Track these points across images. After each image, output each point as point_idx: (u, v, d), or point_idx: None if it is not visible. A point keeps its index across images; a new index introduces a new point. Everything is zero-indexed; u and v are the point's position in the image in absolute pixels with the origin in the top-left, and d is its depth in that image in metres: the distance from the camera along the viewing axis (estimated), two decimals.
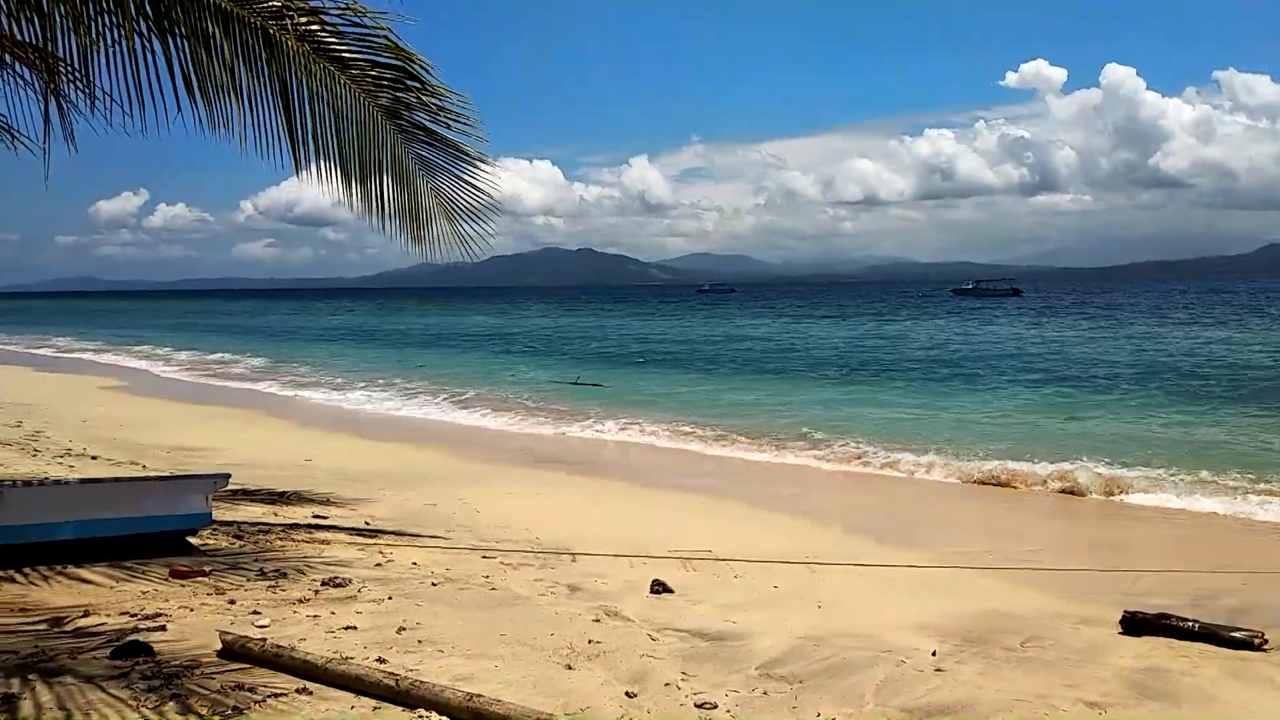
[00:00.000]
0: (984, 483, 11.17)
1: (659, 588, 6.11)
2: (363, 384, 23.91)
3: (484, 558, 6.84)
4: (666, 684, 4.26)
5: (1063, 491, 10.63)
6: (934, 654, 4.96)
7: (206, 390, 23.31)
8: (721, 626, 5.37)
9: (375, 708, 3.65)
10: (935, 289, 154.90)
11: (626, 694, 4.08)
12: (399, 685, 3.70)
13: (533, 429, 16.02)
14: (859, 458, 12.55)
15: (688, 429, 15.17)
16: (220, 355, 34.90)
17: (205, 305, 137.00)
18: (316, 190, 6.92)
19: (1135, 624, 5.50)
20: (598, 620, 5.29)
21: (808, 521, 9.19)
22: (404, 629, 4.74)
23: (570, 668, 4.38)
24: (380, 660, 4.18)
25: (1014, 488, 10.95)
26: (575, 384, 23.10)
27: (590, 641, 4.80)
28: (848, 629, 5.35)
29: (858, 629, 5.36)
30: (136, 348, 39.96)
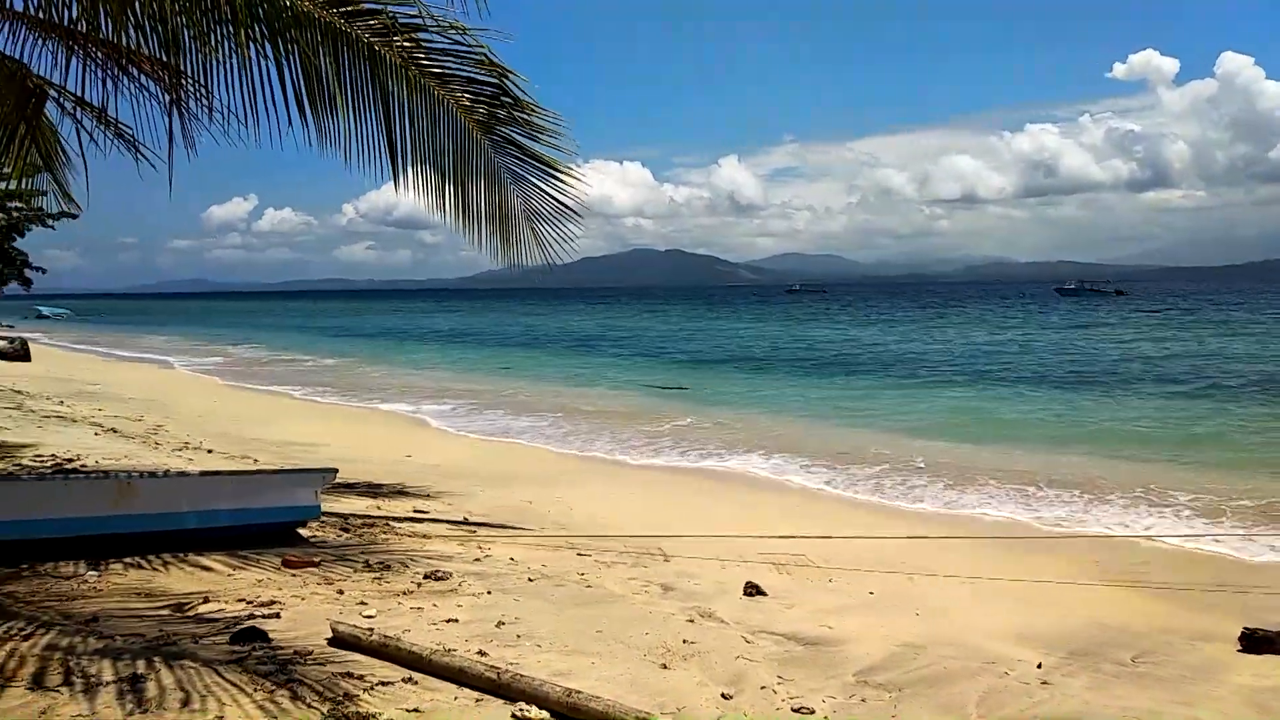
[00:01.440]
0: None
1: (752, 590, 6.08)
2: (458, 384, 24.46)
3: (578, 555, 6.92)
4: (762, 687, 4.24)
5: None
6: (1039, 666, 4.81)
7: (307, 388, 24.20)
8: (817, 631, 5.32)
9: (477, 699, 3.74)
10: (1038, 289, 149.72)
11: (723, 695, 4.08)
12: (500, 678, 3.78)
13: (625, 430, 16.11)
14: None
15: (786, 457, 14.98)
16: (324, 354, 36.22)
17: (308, 306, 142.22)
18: (415, 195, 7.19)
19: (1256, 641, 5.22)
20: (691, 620, 5.30)
21: (905, 527, 9.01)
22: (503, 623, 4.84)
23: (666, 667, 4.40)
24: (481, 653, 4.28)
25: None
26: (674, 389, 22.96)
27: (685, 642, 4.82)
28: (948, 638, 5.23)
29: (959, 638, 5.23)
30: (243, 346, 41.83)
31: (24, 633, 4.05)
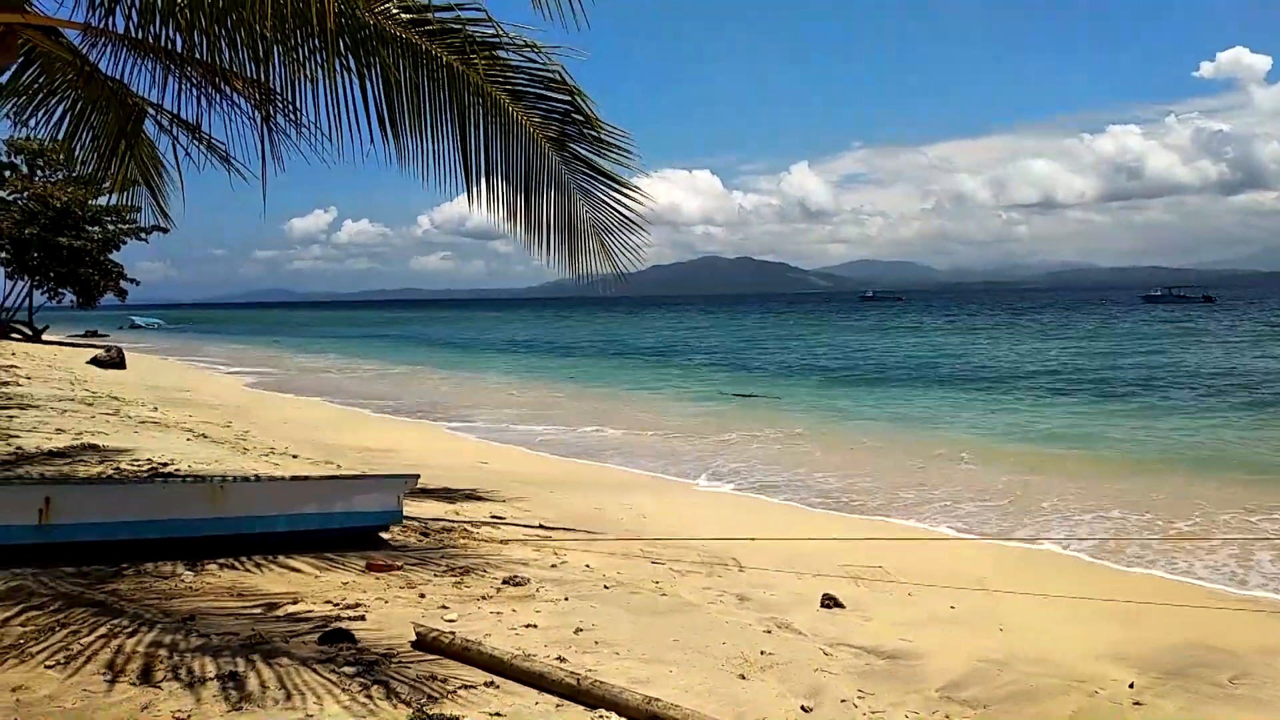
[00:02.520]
0: None
1: (829, 602, 6.02)
2: (529, 391, 24.75)
3: (653, 563, 6.94)
4: (842, 700, 4.20)
5: None
6: (1131, 686, 4.66)
7: (388, 397, 24.74)
8: (896, 645, 5.24)
9: (558, 705, 3.78)
10: (1122, 296, 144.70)
11: (802, 708, 4.05)
12: (580, 684, 3.82)
13: (696, 438, 16.08)
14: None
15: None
16: (397, 363, 37.02)
17: (384, 315, 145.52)
18: (487, 208, 7.40)
19: None
20: (769, 631, 5.28)
21: (987, 543, 8.81)
22: (581, 630, 4.88)
23: (744, 678, 4.39)
24: (560, 659, 4.32)
25: None
26: (748, 396, 22.75)
27: (762, 653, 4.79)
28: (1034, 655, 5.11)
29: (1046, 655, 5.10)
30: (322, 356, 43.03)
31: (128, 630, 4.24)
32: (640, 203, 7.58)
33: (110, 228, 41.73)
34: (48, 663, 3.82)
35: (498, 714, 3.64)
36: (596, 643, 4.70)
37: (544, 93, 7.14)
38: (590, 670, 4.11)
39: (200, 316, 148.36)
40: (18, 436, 10.57)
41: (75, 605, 4.54)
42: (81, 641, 4.05)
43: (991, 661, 5.00)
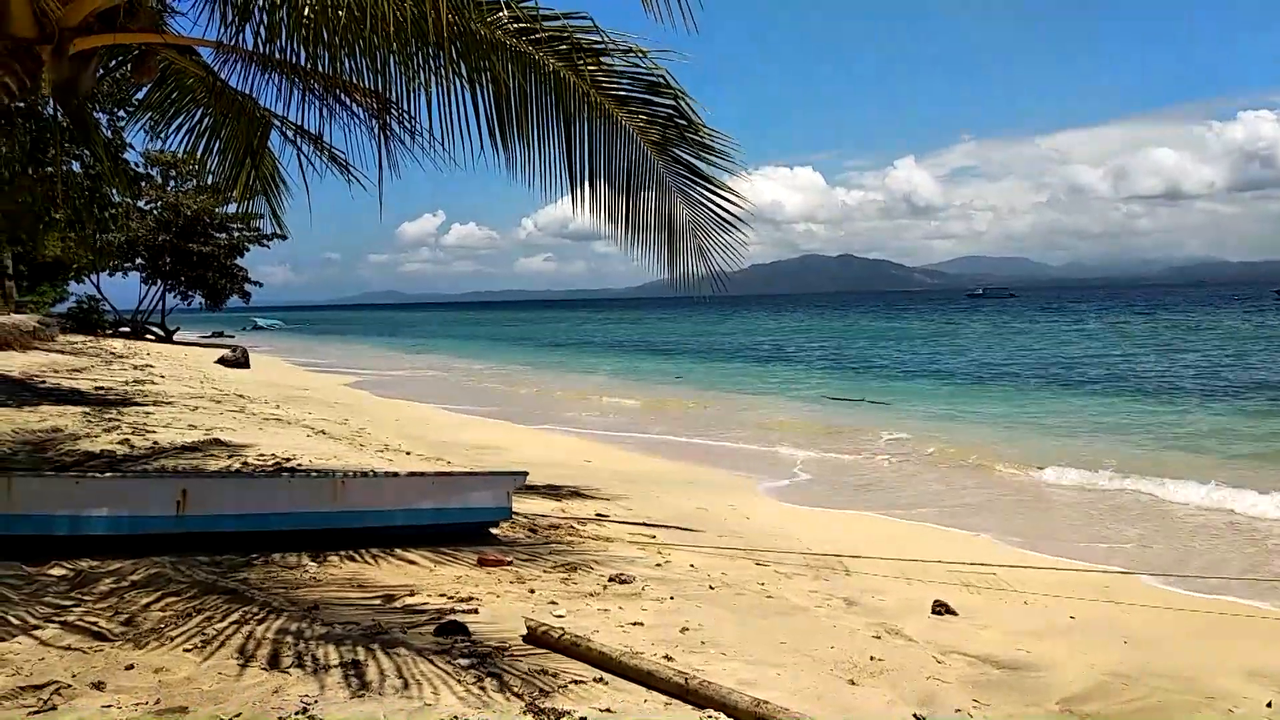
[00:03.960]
0: None
1: (941, 608, 5.87)
2: (633, 392, 24.92)
3: (758, 564, 6.90)
4: (957, 709, 4.09)
5: None
6: (1269, 705, 4.39)
7: (494, 396, 25.31)
8: (1013, 654, 5.07)
9: (666, 703, 3.80)
10: (1252, 291, 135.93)
11: (915, 716, 3.96)
12: (688, 684, 3.82)
13: (804, 442, 15.89)
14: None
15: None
16: (504, 363, 37.82)
17: (492, 315, 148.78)
18: (589, 211, 7.52)
19: None
20: (878, 637, 5.18)
21: (1108, 551, 8.44)
22: (687, 629, 4.89)
23: (853, 683, 4.32)
24: (667, 658, 4.34)
25: None
26: (860, 400, 22.23)
27: (872, 658, 4.71)
28: (1163, 669, 4.87)
29: (1176, 670, 4.86)
30: (432, 355, 44.32)
31: (258, 617, 4.46)
32: (739, 205, 7.61)
33: (236, 234, 44.01)
34: (186, 646, 4.05)
35: (608, 709, 3.68)
36: (703, 643, 4.70)
37: (648, 97, 7.22)
38: (697, 670, 4.11)
39: (318, 318, 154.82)
40: (154, 431, 11.24)
41: (210, 592, 4.81)
42: (216, 627, 4.29)
43: (1117, 675, 4.79)
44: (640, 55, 6.91)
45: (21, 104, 12.15)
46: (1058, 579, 6.85)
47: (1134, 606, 6.23)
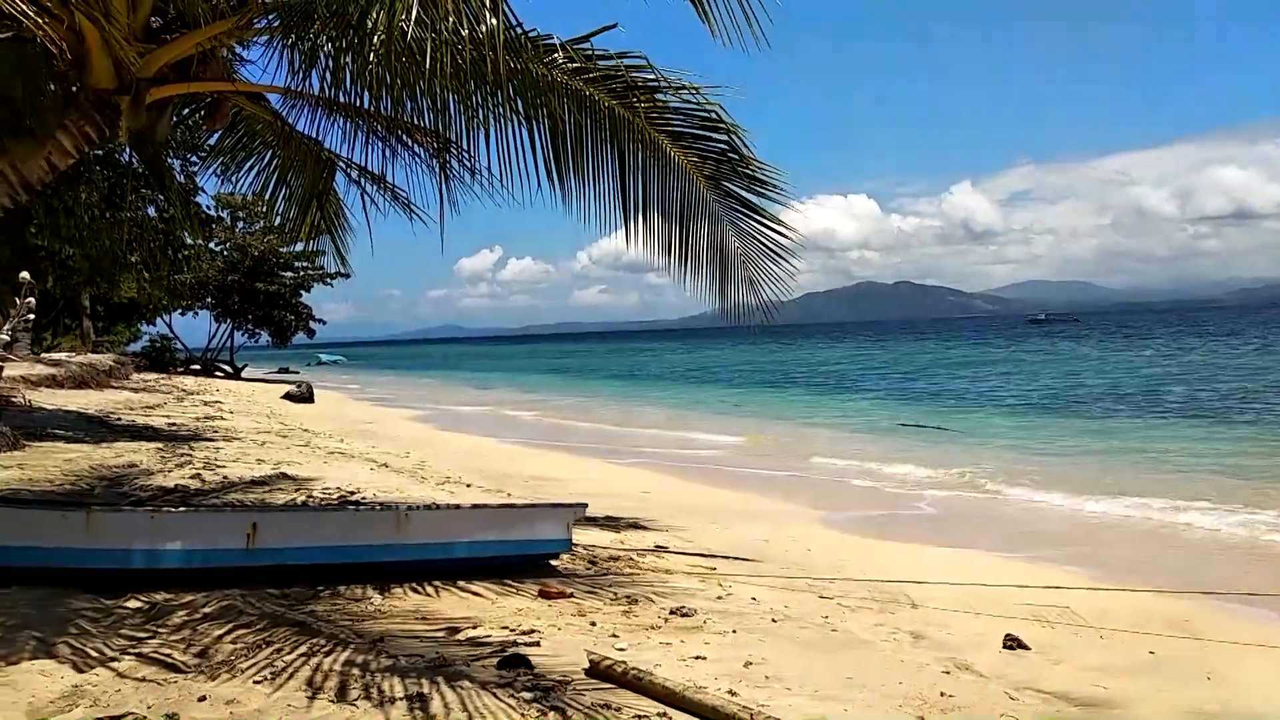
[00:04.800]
0: None
1: (1013, 643, 5.70)
2: (694, 423, 24.85)
3: (820, 597, 6.79)
4: None
5: None
6: None
7: (552, 428, 25.45)
8: (1090, 691, 4.90)
9: None
10: None
11: None
12: (753, 719, 3.77)
13: (867, 472, 15.66)
14: None
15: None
16: (564, 395, 38.03)
17: (548, 348, 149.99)
18: (641, 244, 7.62)
19: None
20: (947, 672, 5.05)
21: (1186, 585, 8.12)
22: (750, 663, 4.83)
23: (923, 719, 4.21)
24: (731, 693, 4.29)
25: None
26: (931, 428, 21.75)
27: (942, 694, 4.59)
28: (1250, 710, 4.66)
29: (1264, 711, 4.64)
30: (492, 390, 44.80)
31: (325, 649, 4.52)
32: (789, 237, 7.71)
33: (300, 273, 45.22)
34: (256, 678, 4.13)
35: None
36: (767, 677, 4.63)
37: (701, 132, 7.33)
38: (762, 705, 4.06)
39: (378, 353, 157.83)
40: (224, 466, 11.53)
41: (279, 624, 4.89)
42: (285, 659, 4.36)
43: (1200, 714, 4.60)
44: (693, 91, 7.01)
45: (99, 152, 12.69)
46: (1135, 614, 6.61)
47: (1218, 643, 5.98)
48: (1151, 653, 5.73)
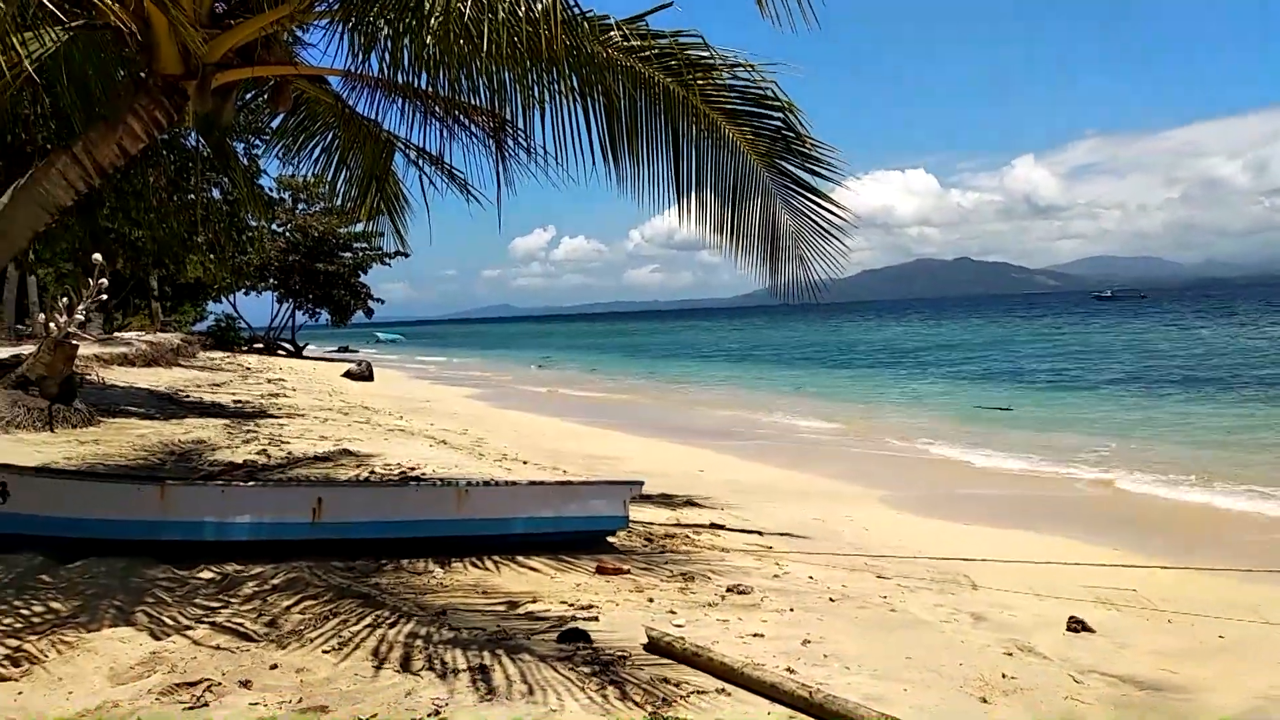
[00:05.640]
0: None
1: (1077, 625, 5.61)
2: (750, 400, 24.77)
3: (878, 577, 6.74)
4: None
5: None
6: None
7: (607, 405, 25.57)
8: (1158, 675, 4.80)
9: (790, 717, 3.76)
10: None
11: None
12: (812, 697, 3.77)
13: (931, 451, 15.48)
14: None
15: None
16: (619, 373, 38.18)
17: (601, 327, 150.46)
18: (695, 222, 7.61)
19: None
20: (1009, 654, 4.98)
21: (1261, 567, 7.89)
22: (808, 642, 4.82)
23: (985, 701, 4.17)
24: (790, 670, 4.29)
25: None
26: (996, 409, 21.22)
27: (1004, 676, 4.53)
28: None
29: None
30: (547, 368, 45.16)
31: (389, 621, 4.63)
32: (843, 216, 7.66)
33: (360, 253, 45.98)
34: (324, 648, 4.24)
35: None
36: (825, 656, 4.62)
37: (756, 110, 7.27)
38: (821, 684, 4.05)
39: (435, 332, 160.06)
40: (288, 442, 11.82)
41: (344, 596, 5.02)
42: (351, 629, 4.47)
43: (1272, 699, 4.48)
44: (748, 69, 6.94)
45: (166, 136, 13.01)
46: (1205, 597, 6.44)
47: None
48: (1221, 637, 5.59)
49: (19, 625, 4.35)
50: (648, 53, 6.73)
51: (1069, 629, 5.57)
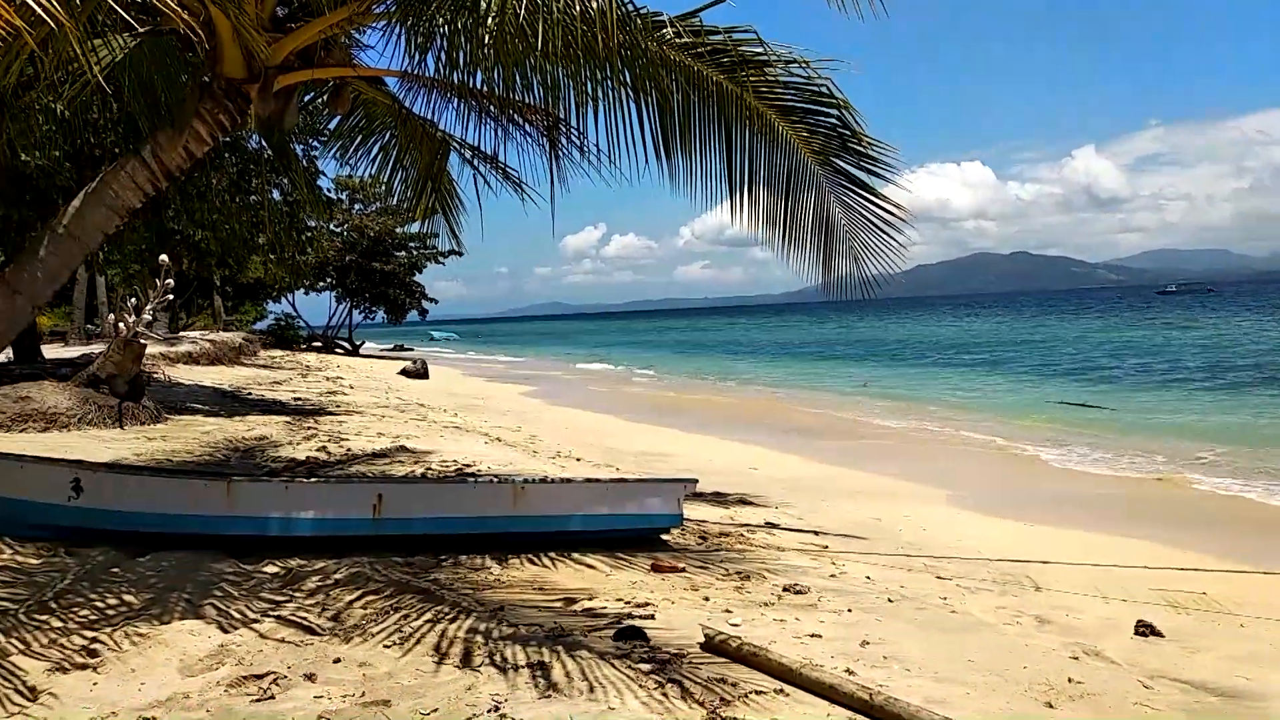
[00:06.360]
0: None
1: (1145, 629, 5.45)
2: (806, 398, 24.54)
3: (938, 578, 6.64)
4: None
5: None
6: None
7: (659, 403, 25.56)
8: (1231, 682, 4.65)
9: (849, 718, 3.71)
10: None
11: None
12: (873, 699, 3.72)
13: (997, 448, 15.20)
14: None
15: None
16: (671, 370, 38.16)
17: (653, 324, 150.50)
18: (746, 219, 7.57)
19: None
20: (1075, 658, 4.86)
21: None
22: (867, 643, 4.76)
23: (1051, 706, 4.07)
24: (849, 672, 4.24)
25: None
26: (1080, 406, 20.62)
27: (1070, 680, 4.42)
28: None
29: None
30: (598, 365, 45.29)
31: (449, 616, 4.68)
32: (899, 214, 7.56)
33: (414, 253, 46.61)
34: (385, 643, 4.30)
35: None
36: (885, 657, 4.56)
37: (810, 106, 7.23)
38: (881, 686, 3.99)
39: (488, 330, 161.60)
40: (348, 439, 12.02)
41: (405, 591, 5.09)
42: (412, 625, 4.53)
43: None
44: (803, 65, 6.89)
45: (228, 139, 13.31)
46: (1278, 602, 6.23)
47: None
48: None
49: (94, 617, 4.49)
50: (701, 49, 6.70)
51: (1137, 633, 5.42)
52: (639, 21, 5.94)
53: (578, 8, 5.13)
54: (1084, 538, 8.80)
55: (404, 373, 31.50)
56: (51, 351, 20.37)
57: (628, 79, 6.33)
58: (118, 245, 15.83)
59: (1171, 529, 9.22)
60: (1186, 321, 62.47)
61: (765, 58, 6.86)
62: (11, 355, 15.87)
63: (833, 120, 7.19)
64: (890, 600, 5.78)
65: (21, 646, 4.06)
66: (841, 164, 7.48)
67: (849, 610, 5.41)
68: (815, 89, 7.02)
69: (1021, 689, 4.26)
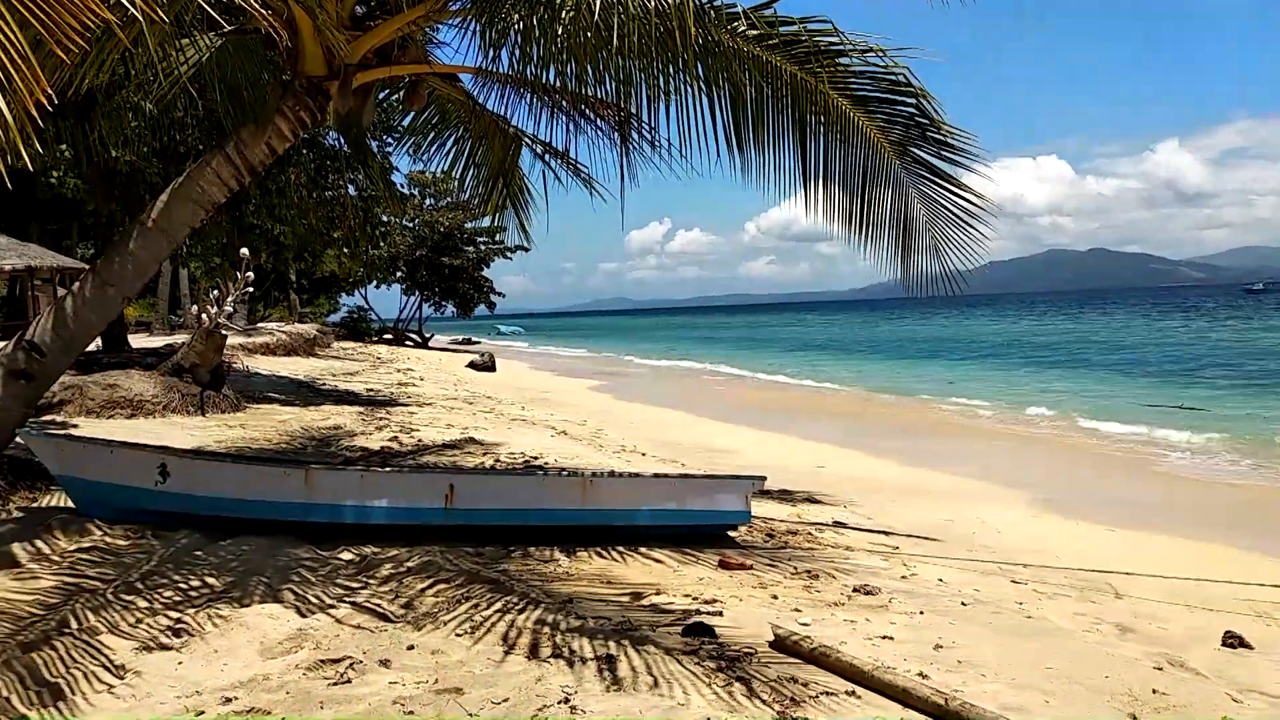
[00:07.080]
0: None
1: (1234, 640, 5.24)
2: (876, 395, 24.13)
3: (1013, 582, 6.47)
4: None
5: None
6: None
7: (725, 399, 25.45)
8: None
9: None
10: None
11: None
12: (948, 704, 3.64)
13: (1074, 449, 14.78)
14: None
15: None
16: (736, 366, 38.00)
17: (718, 320, 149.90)
18: (819, 212, 7.45)
19: None
20: (1159, 668, 4.69)
21: None
22: (940, 646, 4.66)
23: (1134, 717, 3.93)
24: (922, 675, 4.15)
25: None
26: (1181, 408, 19.74)
27: (1154, 691, 4.27)
28: None
29: None
30: (664, 360, 45.30)
31: (518, 607, 4.72)
32: (980, 204, 7.36)
33: (482, 248, 47.24)
34: (457, 631, 4.36)
35: None
36: (959, 662, 4.45)
37: (887, 96, 7.10)
38: (955, 690, 3.91)
39: (554, 324, 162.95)
40: (418, 430, 12.24)
41: (475, 581, 5.15)
42: (482, 614, 4.59)
43: None
44: (880, 54, 6.76)
45: (307, 136, 13.65)
46: None
47: None
48: None
49: (178, 599, 4.64)
50: (774, 40, 6.63)
51: (1224, 644, 5.21)
52: (713, 14, 5.91)
53: (653, 3, 5.12)
54: (1168, 543, 8.50)
55: (472, 366, 31.95)
56: (137, 341, 21.18)
57: (700, 72, 6.30)
58: (200, 239, 16.36)
59: (1261, 534, 8.84)
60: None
61: (840, 47, 6.75)
62: (101, 344, 16.53)
63: (910, 109, 7.05)
64: (964, 604, 5.66)
65: (110, 625, 4.23)
66: (920, 153, 7.32)
67: (921, 613, 5.30)
68: (892, 78, 6.90)
69: (1103, 698, 4.12)
